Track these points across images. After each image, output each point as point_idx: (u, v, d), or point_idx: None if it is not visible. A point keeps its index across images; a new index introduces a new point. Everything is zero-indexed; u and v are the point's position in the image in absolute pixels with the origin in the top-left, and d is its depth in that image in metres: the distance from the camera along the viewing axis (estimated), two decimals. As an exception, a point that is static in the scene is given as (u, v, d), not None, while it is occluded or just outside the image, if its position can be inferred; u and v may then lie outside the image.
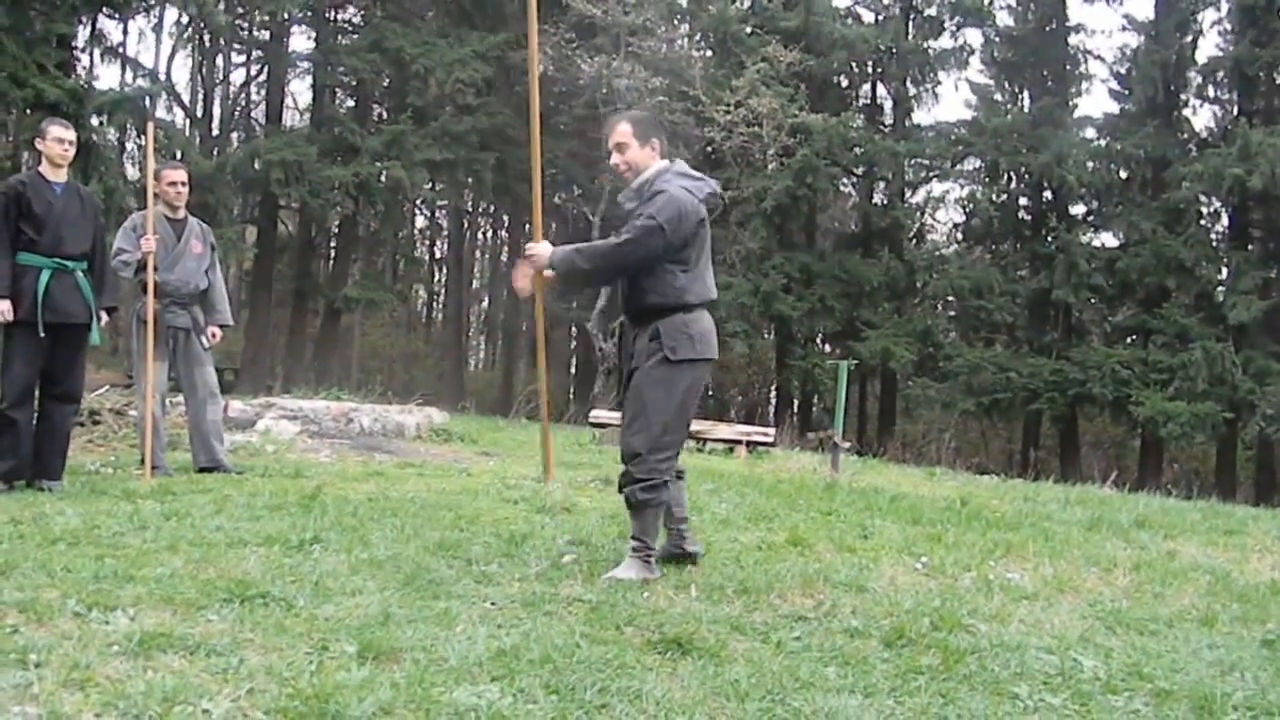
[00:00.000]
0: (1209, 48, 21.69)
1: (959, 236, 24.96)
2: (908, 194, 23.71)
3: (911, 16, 22.72)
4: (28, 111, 12.64)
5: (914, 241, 24.19)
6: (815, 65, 20.00)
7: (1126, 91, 21.73)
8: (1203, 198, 19.85)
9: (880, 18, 22.92)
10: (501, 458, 8.02)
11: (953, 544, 4.84)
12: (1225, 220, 21.08)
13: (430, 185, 23.33)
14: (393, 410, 9.53)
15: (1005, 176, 22.37)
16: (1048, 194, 22.02)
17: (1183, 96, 21.34)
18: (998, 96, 23.48)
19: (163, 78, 21.81)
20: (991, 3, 22.45)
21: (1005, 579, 4.11)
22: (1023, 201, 23.03)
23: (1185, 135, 21.24)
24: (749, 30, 20.64)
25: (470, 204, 27.20)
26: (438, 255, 32.72)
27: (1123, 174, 21.43)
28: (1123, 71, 21.95)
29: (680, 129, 17.52)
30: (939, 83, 23.09)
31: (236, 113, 26.17)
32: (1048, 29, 22.58)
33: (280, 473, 6.01)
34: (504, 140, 20.07)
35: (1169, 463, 21.74)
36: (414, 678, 2.38)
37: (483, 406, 19.88)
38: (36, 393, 5.10)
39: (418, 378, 25.66)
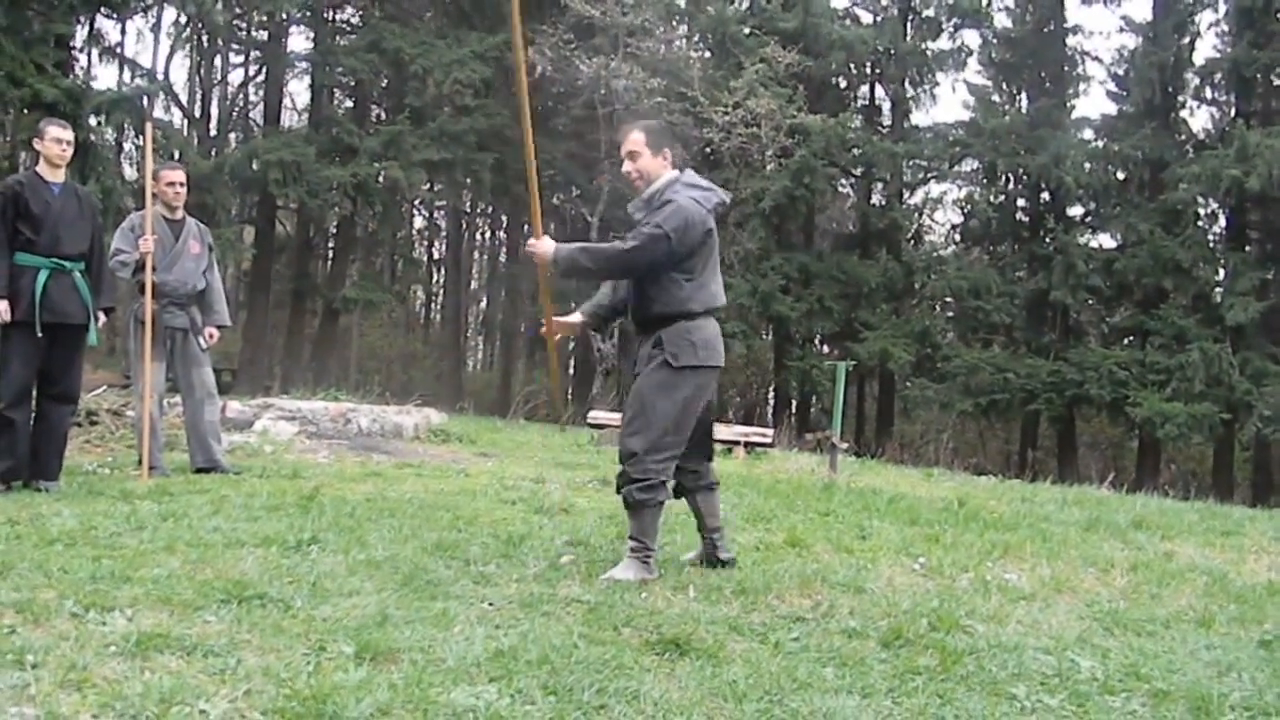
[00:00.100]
0: (1206, 49, 21.70)
1: (957, 237, 25.00)
2: (906, 195, 23.73)
3: (909, 18, 22.74)
4: (25, 111, 12.63)
5: (912, 242, 24.21)
6: (813, 66, 20.01)
7: (1124, 93, 21.75)
8: (1200, 199, 19.87)
9: (878, 19, 22.93)
10: (500, 458, 8.02)
11: (950, 545, 4.84)
12: (1223, 221, 21.11)
13: (428, 186, 23.34)
14: (391, 411, 9.52)
15: (1003, 178, 22.40)
16: (1045, 195, 22.04)
17: (1180, 98, 21.37)
18: (996, 98, 23.49)
19: (161, 78, 21.79)
20: (989, 4, 22.47)
21: (1003, 580, 4.11)
22: (1020, 203, 23.05)
23: (1183, 136, 21.26)
24: (747, 31, 20.65)
25: (468, 205, 27.19)
26: (436, 256, 32.71)
27: (1120, 175, 21.44)
28: (1120, 73, 21.98)
29: (679, 130, 17.52)
30: (937, 84, 23.15)
31: (235, 113, 26.15)
32: (1046, 30, 22.60)
33: (278, 473, 6.01)
34: (502, 141, 20.06)
35: (1166, 463, 21.76)
36: (412, 678, 2.37)
37: (481, 407, 19.87)
38: (34, 393, 5.10)
39: (416, 378, 25.65)
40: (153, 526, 4.00)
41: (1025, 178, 21.87)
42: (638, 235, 3.55)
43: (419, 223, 31.61)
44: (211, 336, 6.10)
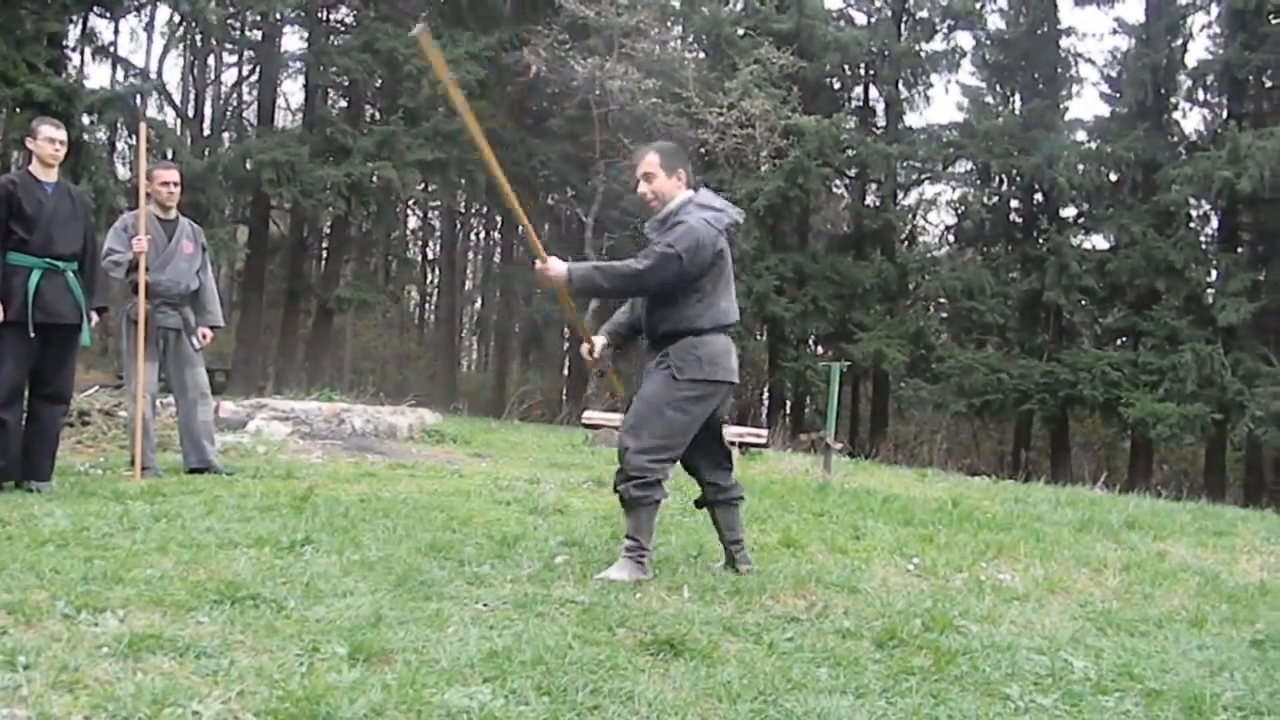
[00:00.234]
0: (1199, 51, 21.66)
1: (951, 238, 25.02)
2: (900, 196, 23.76)
3: (903, 19, 22.78)
4: (18, 110, 12.61)
5: (906, 243, 24.24)
6: (808, 67, 20.03)
7: (1117, 94, 21.81)
8: (1192, 200, 19.92)
9: (872, 20, 22.96)
10: (494, 459, 8.02)
11: (944, 545, 4.85)
12: (1215, 223, 21.16)
13: (423, 186, 23.28)
14: (385, 411, 9.51)
15: (996, 179, 22.42)
16: (1039, 196, 22.08)
17: (1173, 99, 21.42)
18: (989, 99, 23.53)
19: (154, 77, 21.73)
20: (983, 6, 22.51)
21: (996, 580, 4.12)
22: (1014, 204, 23.09)
23: (1175, 138, 21.32)
24: (742, 32, 20.66)
25: (463, 205, 27.14)
26: (430, 256, 32.66)
27: (1113, 176, 21.49)
28: (1113, 74, 22.03)
29: (673, 130, 17.53)
30: (931, 85, 23.13)
31: (228, 112, 26.07)
32: (1039, 32, 22.64)
33: (271, 474, 5.99)
34: (496, 141, 19.84)
35: (1159, 464, 21.83)
36: (405, 679, 2.37)
37: (475, 408, 19.85)
38: (25, 393, 5.07)
39: (410, 379, 25.61)
40: (145, 527, 3.99)
41: (1019, 179, 21.91)
42: (650, 254, 3.63)
43: (413, 223, 31.57)
44: (205, 336, 6.08)
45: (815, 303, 20.55)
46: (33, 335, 4.92)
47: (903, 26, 22.65)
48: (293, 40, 23.47)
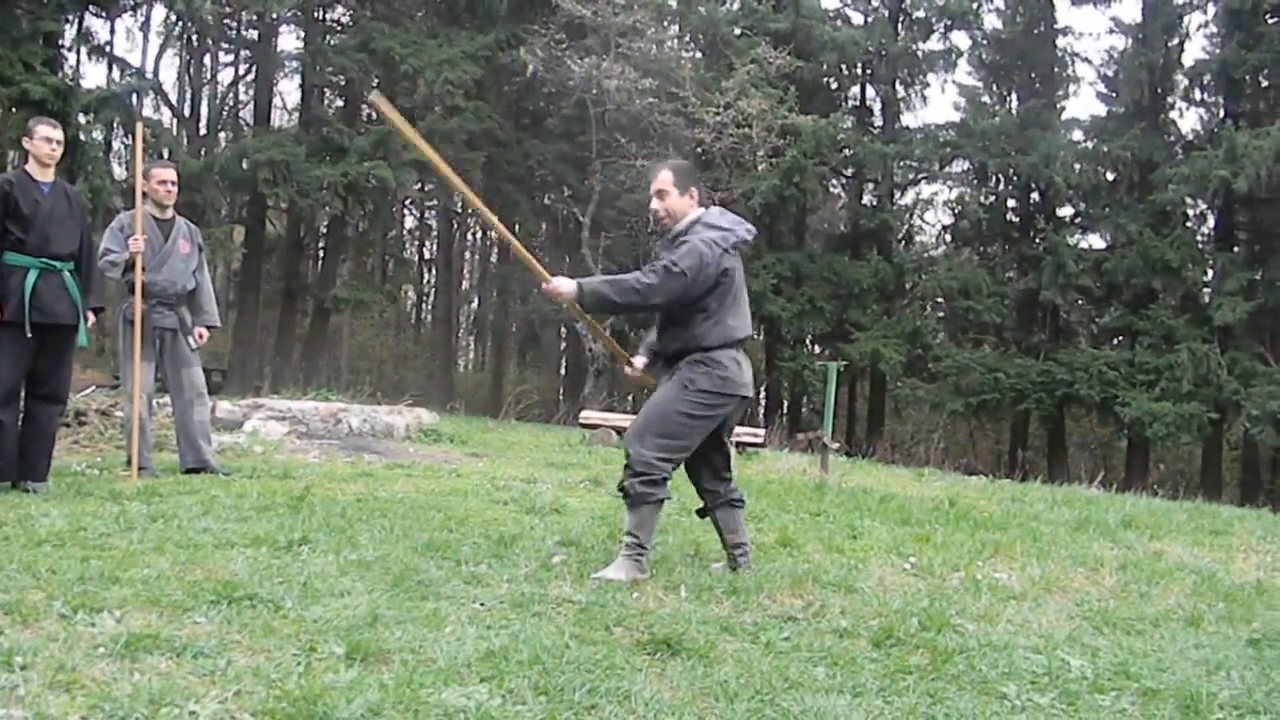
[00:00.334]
0: (1196, 51, 21.73)
1: (947, 238, 25.02)
2: (897, 195, 23.77)
3: (900, 19, 22.79)
4: (14, 109, 12.58)
5: (903, 243, 24.25)
6: (804, 67, 20.03)
7: (1114, 94, 21.83)
8: (1189, 200, 19.95)
9: (869, 20, 22.98)
10: (491, 459, 8.01)
11: (941, 544, 4.86)
12: (1211, 222, 21.20)
13: (419, 186, 23.26)
14: (382, 411, 9.50)
15: (993, 178, 22.45)
16: (1035, 196, 22.12)
17: (1169, 99, 21.46)
18: (986, 99, 23.55)
19: (150, 76, 21.68)
20: (980, 5, 22.52)
21: (993, 579, 4.13)
22: (1011, 203, 23.12)
23: (1172, 137, 21.35)
24: (738, 32, 20.66)
25: (460, 205, 27.11)
26: (427, 256, 32.63)
27: (1110, 176, 21.51)
28: (1110, 74, 22.06)
29: (670, 130, 17.53)
30: (927, 85, 23.15)
31: (224, 112, 26.04)
32: (1036, 31, 22.67)
33: (268, 474, 5.99)
34: (493, 141, 20.03)
35: (1155, 463, 21.85)
36: (402, 679, 2.37)
37: (472, 407, 19.84)
38: (22, 393, 5.07)
39: (407, 378, 25.59)
40: (142, 527, 3.99)
41: (1015, 178, 21.94)
42: (655, 271, 3.71)
43: (410, 222, 31.54)
44: (201, 336, 6.07)
45: (812, 302, 20.56)
46: (29, 335, 4.91)
47: (899, 26, 22.67)
48: (289, 40, 23.45)
